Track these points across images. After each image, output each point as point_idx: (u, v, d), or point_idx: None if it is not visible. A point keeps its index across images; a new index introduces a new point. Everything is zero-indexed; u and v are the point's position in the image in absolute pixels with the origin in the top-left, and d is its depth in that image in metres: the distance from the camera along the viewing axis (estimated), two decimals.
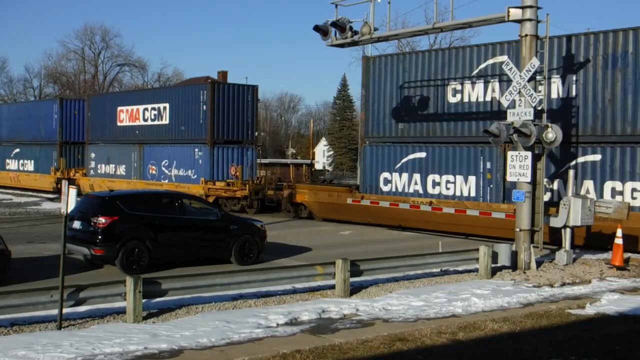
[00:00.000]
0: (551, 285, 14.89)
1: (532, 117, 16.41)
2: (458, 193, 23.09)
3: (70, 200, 10.62)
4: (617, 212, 19.31)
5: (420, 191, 24.13)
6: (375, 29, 19.58)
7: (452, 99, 23.48)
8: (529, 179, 16.41)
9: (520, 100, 16.49)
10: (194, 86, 34.31)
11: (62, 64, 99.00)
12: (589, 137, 20.06)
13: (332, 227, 25.60)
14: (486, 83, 22.45)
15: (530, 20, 16.48)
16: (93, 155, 39.26)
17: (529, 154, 16.37)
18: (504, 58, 20.91)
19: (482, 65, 22.62)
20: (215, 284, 12.22)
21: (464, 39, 63.71)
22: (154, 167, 34.78)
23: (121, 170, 37.02)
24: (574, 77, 20.37)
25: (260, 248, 17.14)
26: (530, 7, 16.46)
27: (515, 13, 16.53)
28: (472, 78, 22.83)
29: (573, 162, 20.33)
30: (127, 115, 36.66)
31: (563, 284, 15.11)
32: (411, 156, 24.51)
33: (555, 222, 17.41)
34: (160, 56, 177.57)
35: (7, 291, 10.64)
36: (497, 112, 21.31)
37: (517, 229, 16.81)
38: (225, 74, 70.62)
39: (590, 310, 12.26)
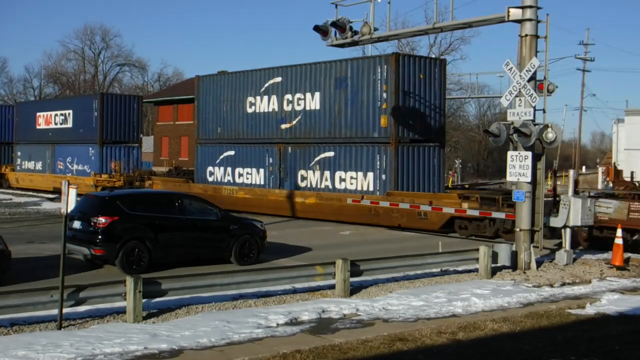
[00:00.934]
0: (551, 285, 14.88)
1: (532, 117, 16.41)
2: (254, 182, 30.30)
3: (70, 200, 10.62)
4: (617, 212, 19.32)
5: (232, 181, 31.24)
6: (375, 29, 19.55)
7: (249, 110, 30.55)
8: (529, 179, 16.40)
9: (520, 100, 16.49)
10: (88, 97, 45.04)
11: (62, 64, 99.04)
12: (327, 138, 27.32)
13: (332, 227, 25.59)
14: (269, 98, 29.63)
15: (530, 20, 16.47)
16: (19, 153, 46.25)
17: (529, 154, 16.36)
18: (279, 79, 29.03)
19: (267, 84, 29.71)
20: (215, 284, 12.22)
21: (464, 39, 63.83)
22: (61, 163, 41.79)
23: (38, 166, 44.08)
24: (319, 94, 27.44)
25: (260, 248, 17.13)
26: (530, 7, 16.45)
27: (515, 13, 16.52)
28: (260, 94, 29.92)
29: (318, 157, 27.58)
30: (43, 120, 43.86)
31: (563, 284, 15.11)
32: (225, 154, 31.70)
33: (555, 222, 17.40)
34: (160, 56, 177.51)
35: (7, 291, 10.65)
36: (276, 121, 29.34)
37: (517, 229, 16.80)
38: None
39: (590, 310, 12.27)
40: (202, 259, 16.32)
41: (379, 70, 24.56)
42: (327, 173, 27.14)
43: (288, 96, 28.50)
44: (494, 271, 15.87)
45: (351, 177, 26.17)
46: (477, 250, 15.82)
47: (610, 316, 11.90)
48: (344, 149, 26.43)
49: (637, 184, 21.88)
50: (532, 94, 16.28)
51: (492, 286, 14.36)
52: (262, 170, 29.81)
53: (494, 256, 15.99)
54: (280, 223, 26.70)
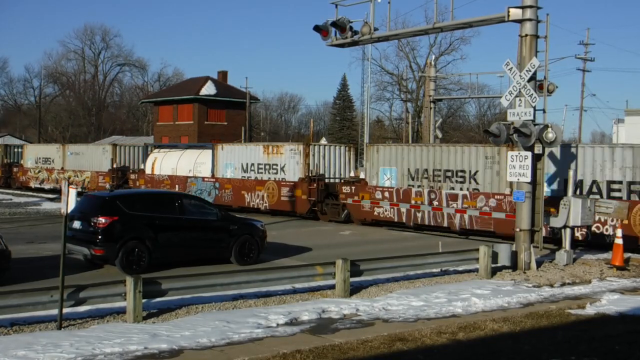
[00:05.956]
0: (551, 285, 14.88)
1: (532, 117, 16.40)
2: None
3: (70, 200, 10.62)
4: (617, 211, 19.31)
5: None
6: (376, 29, 19.55)
7: None
8: (529, 179, 16.40)
9: (520, 100, 16.49)
10: None
11: (62, 64, 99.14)
12: None
13: (332, 227, 25.60)
14: None
15: (530, 20, 16.47)
16: None
17: (529, 154, 16.35)
18: None
19: None
20: (215, 284, 12.21)
21: (464, 39, 63.82)
22: None
23: None
24: None
25: (260, 248, 17.12)
26: (530, 7, 16.45)
27: (515, 13, 16.51)
28: None
29: None
30: None
31: (563, 284, 15.11)
32: None
33: (555, 222, 17.40)
34: (160, 56, 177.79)
35: (7, 291, 10.64)
36: None
37: (517, 229, 16.80)
38: (225, 74, 70.66)
39: (590, 310, 12.26)
40: (202, 259, 16.31)
41: None
42: None
43: None
44: (494, 271, 15.87)
45: None
46: (477, 250, 15.81)
47: (610, 316, 11.90)
48: None
49: None
50: (532, 94, 16.28)
51: (492, 286, 14.36)
52: None
53: (494, 256, 15.99)
54: (280, 223, 26.71)
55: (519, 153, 16.46)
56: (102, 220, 15.14)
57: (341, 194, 26.78)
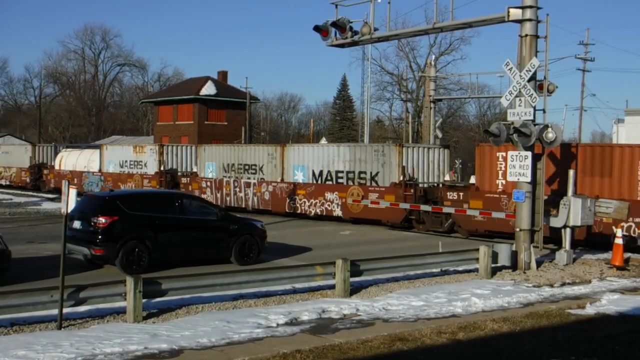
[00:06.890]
0: (551, 285, 14.89)
1: (532, 117, 16.41)
2: None
3: (70, 200, 10.62)
4: (617, 211, 19.31)
5: None
6: (375, 29, 19.55)
7: None
8: (529, 179, 16.40)
9: (520, 100, 16.49)
10: None
11: (62, 64, 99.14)
12: None
13: (332, 227, 25.61)
14: None
15: (530, 20, 16.47)
16: None
17: (529, 154, 16.36)
18: None
19: None
20: (215, 284, 12.22)
21: (464, 39, 63.72)
22: None
23: None
24: None
25: (260, 248, 17.13)
26: (530, 7, 16.45)
27: (515, 13, 16.52)
28: None
29: None
30: None
31: (563, 284, 15.11)
32: None
33: (555, 222, 17.40)
34: (161, 56, 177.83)
35: (7, 291, 10.64)
36: None
37: (517, 229, 16.80)
38: (225, 74, 70.65)
39: (590, 310, 12.26)
40: (202, 259, 16.32)
41: None
42: None
43: None
44: (494, 271, 15.88)
45: None
46: (477, 250, 15.81)
47: (610, 316, 11.90)
48: None
49: None
50: (532, 94, 16.28)
51: (492, 286, 14.36)
52: None
53: (494, 256, 15.99)
54: (280, 223, 26.73)
55: (519, 153, 16.46)
56: (102, 220, 15.14)
57: (181, 184, 34.41)
